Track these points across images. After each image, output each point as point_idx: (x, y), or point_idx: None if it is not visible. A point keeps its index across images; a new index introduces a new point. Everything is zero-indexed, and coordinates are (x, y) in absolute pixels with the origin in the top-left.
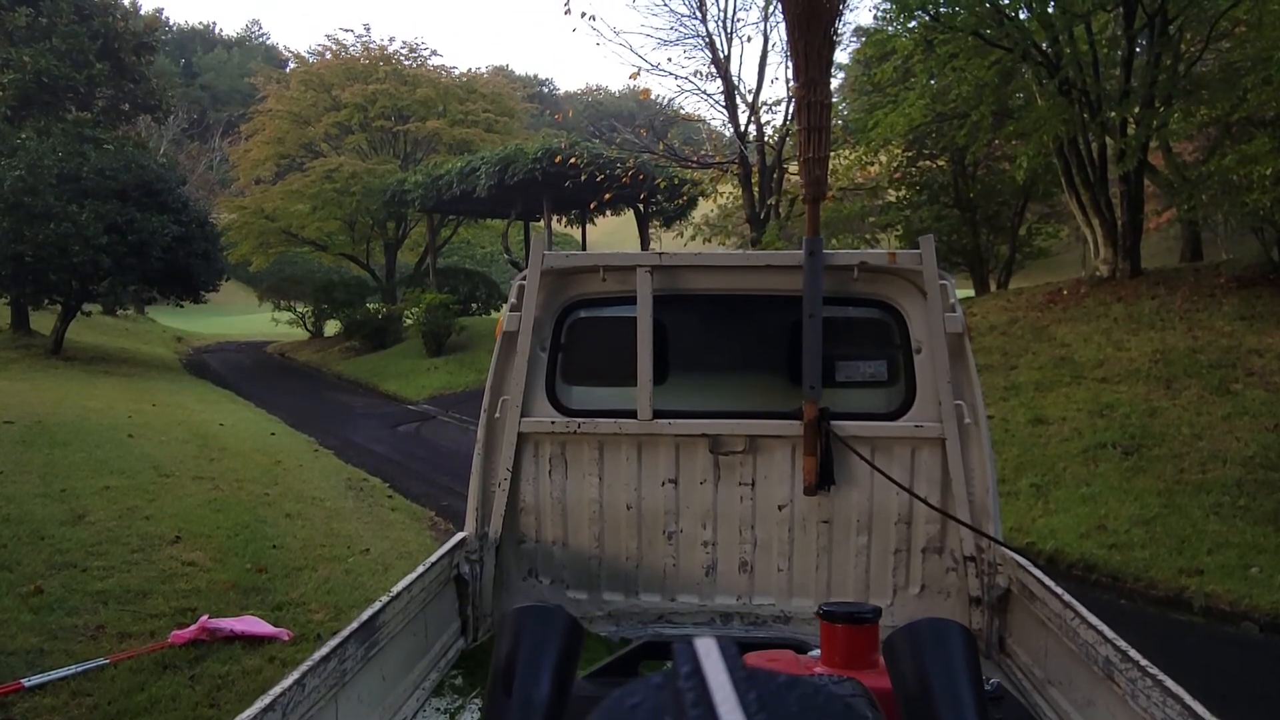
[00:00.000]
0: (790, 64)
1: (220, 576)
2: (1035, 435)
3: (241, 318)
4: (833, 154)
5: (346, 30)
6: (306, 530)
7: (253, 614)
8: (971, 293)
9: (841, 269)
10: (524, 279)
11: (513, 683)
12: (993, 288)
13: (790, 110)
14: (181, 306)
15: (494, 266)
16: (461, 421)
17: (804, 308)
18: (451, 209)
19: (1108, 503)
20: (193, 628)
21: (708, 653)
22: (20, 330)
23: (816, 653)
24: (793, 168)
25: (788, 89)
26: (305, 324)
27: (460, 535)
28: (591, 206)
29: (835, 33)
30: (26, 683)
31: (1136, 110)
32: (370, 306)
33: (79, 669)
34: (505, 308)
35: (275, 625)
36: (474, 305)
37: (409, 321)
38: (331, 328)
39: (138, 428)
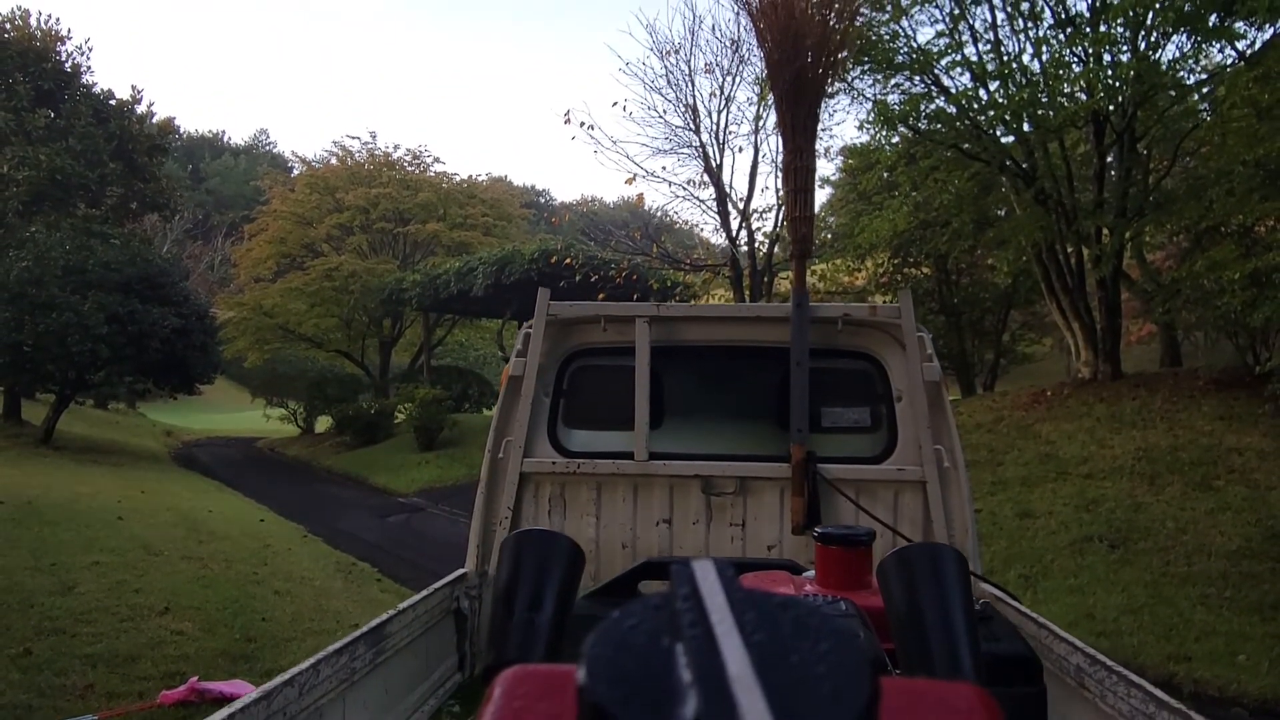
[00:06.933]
0: (780, 137)
1: (209, 644)
2: (1023, 528)
3: (232, 415)
4: (820, 261)
5: (353, 137)
6: (295, 606)
7: (242, 679)
8: (958, 395)
9: (826, 321)
10: (530, 327)
11: (515, 602)
12: (979, 391)
13: (779, 216)
14: (175, 399)
15: (487, 367)
16: (451, 514)
17: (792, 357)
18: (448, 308)
19: (1095, 593)
20: (182, 688)
21: (705, 574)
22: (11, 419)
23: (811, 573)
24: (783, 273)
25: (777, 197)
26: (296, 420)
27: (460, 571)
28: None
29: (819, 106)
30: None
31: (1110, 220)
32: (362, 403)
33: None
34: (512, 354)
35: None
36: (466, 404)
37: (400, 417)
38: (323, 424)
39: (127, 511)
